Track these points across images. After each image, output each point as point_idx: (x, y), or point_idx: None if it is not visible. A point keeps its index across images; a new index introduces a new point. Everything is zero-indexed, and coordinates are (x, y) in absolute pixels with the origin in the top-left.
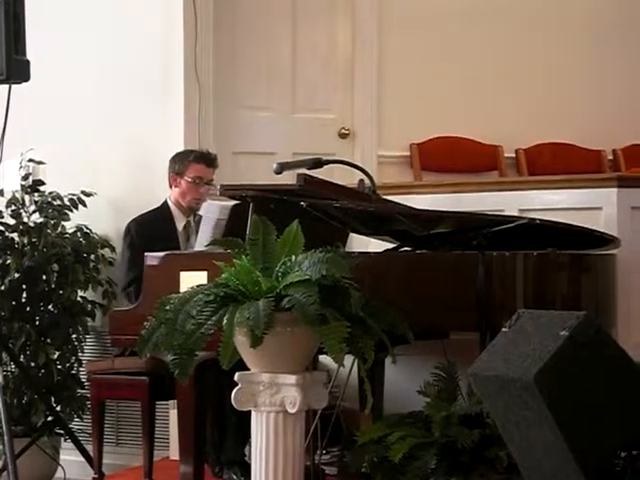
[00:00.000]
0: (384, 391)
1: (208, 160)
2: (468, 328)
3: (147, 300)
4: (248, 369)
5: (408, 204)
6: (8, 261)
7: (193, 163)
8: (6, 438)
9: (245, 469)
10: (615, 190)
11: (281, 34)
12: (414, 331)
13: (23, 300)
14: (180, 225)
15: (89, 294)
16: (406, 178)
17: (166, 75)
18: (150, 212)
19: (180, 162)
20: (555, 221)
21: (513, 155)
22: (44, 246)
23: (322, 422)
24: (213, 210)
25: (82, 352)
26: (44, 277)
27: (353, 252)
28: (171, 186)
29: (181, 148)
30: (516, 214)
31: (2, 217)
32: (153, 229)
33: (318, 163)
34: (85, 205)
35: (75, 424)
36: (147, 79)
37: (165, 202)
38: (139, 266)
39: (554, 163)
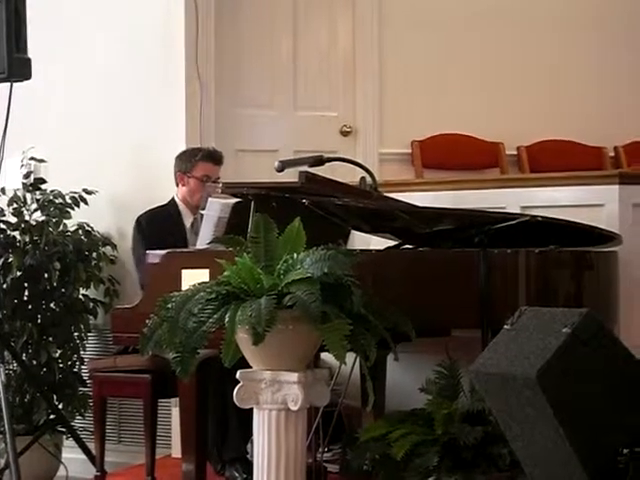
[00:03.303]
0: (386, 388)
1: (215, 159)
2: (470, 325)
3: (149, 298)
4: (250, 367)
5: (409, 201)
6: (10, 259)
7: (201, 162)
8: (8, 436)
9: (247, 467)
10: (617, 187)
11: (282, 32)
12: (416, 328)
13: (25, 298)
14: (188, 222)
15: (91, 292)
16: (407, 175)
17: (167, 73)
18: (158, 208)
19: (187, 161)
20: (557, 218)
21: (515, 152)
22: (46, 244)
23: (324, 420)
24: (215, 208)
25: (84, 350)
26: (46, 275)
27: (355, 250)
28: (178, 184)
29: (183, 146)
30: (518, 211)
31: (4, 215)
32: (163, 225)
33: (320, 161)
34: (86, 203)
35: (77, 422)
36: (148, 77)
37: (172, 199)
38: None
39: (556, 160)
